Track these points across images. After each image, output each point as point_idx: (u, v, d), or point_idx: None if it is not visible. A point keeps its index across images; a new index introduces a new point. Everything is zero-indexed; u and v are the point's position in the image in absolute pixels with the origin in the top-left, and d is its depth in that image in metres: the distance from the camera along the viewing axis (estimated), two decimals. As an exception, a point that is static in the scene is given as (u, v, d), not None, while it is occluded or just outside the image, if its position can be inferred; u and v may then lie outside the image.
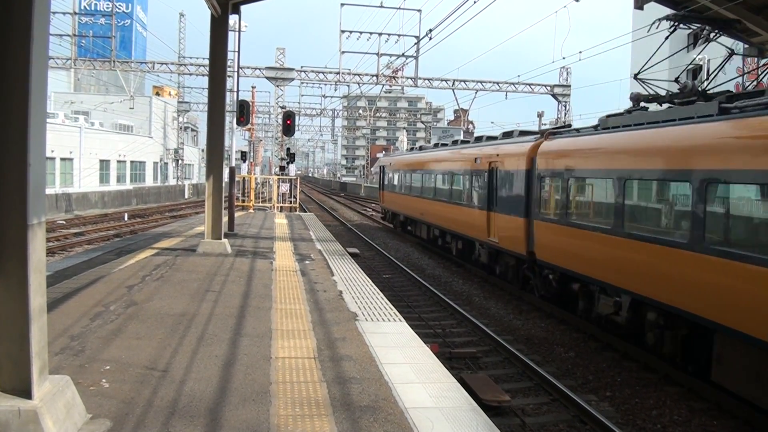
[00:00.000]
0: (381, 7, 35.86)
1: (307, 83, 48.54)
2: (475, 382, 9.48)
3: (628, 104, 13.09)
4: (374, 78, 41.75)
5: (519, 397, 9.59)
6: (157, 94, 76.17)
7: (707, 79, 29.40)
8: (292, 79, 44.52)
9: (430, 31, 27.36)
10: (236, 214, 22.79)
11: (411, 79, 42.36)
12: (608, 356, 12.02)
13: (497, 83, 44.13)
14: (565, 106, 46.17)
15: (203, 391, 5.56)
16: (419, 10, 35.67)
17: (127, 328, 7.56)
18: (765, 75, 16.54)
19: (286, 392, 5.65)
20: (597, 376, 10.90)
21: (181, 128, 71.57)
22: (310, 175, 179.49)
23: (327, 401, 5.49)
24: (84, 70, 49.12)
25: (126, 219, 37.56)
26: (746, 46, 19.20)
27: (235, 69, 22.44)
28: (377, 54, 39.33)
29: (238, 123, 22.21)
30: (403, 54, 38.54)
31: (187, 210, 45.78)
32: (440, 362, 7.01)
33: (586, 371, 11.13)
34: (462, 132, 52.82)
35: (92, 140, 55.22)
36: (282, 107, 45.28)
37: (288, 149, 42.13)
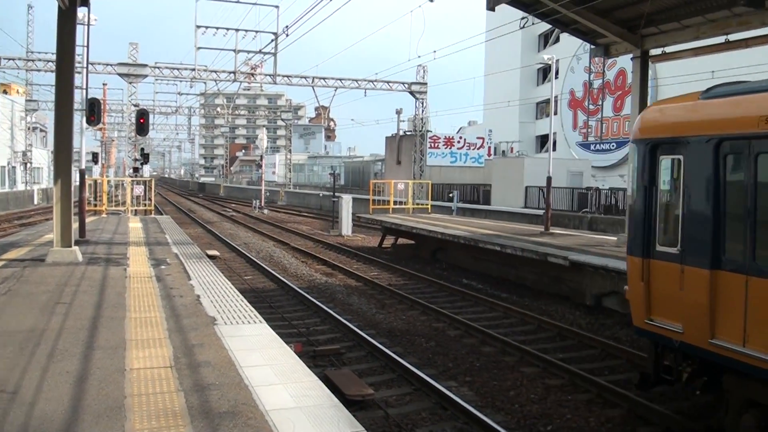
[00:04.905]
0: (237, 2, 35.32)
1: (161, 80, 46.90)
2: (338, 378, 9.62)
3: (482, 100, 13.54)
4: (232, 75, 40.98)
5: (383, 389, 9.81)
6: (5, 92, 70.99)
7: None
8: (146, 76, 42.84)
9: (287, 27, 27.32)
10: (88, 220, 21.74)
11: (270, 76, 41.82)
12: (467, 343, 12.57)
13: (356, 81, 44.54)
14: (422, 103, 47.33)
15: (54, 412, 5.32)
16: (277, 7, 35.42)
17: (-32, 348, 7.09)
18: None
19: (141, 405, 5.51)
20: (456, 363, 11.36)
21: (29, 129, 67.11)
22: (167, 176, 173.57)
23: (185, 411, 5.40)
24: None
25: (-34, 229, 34.84)
26: (593, 47, 20.45)
27: (84, 65, 21.42)
28: (234, 50, 38.61)
29: (89, 122, 21.10)
30: (260, 51, 38.14)
31: (36, 217, 43.02)
32: (302, 361, 7.05)
33: (446, 359, 11.56)
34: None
35: (-74, 144, 50.72)
36: (135, 105, 43.49)
37: (142, 149, 40.52)
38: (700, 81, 33.75)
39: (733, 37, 16.37)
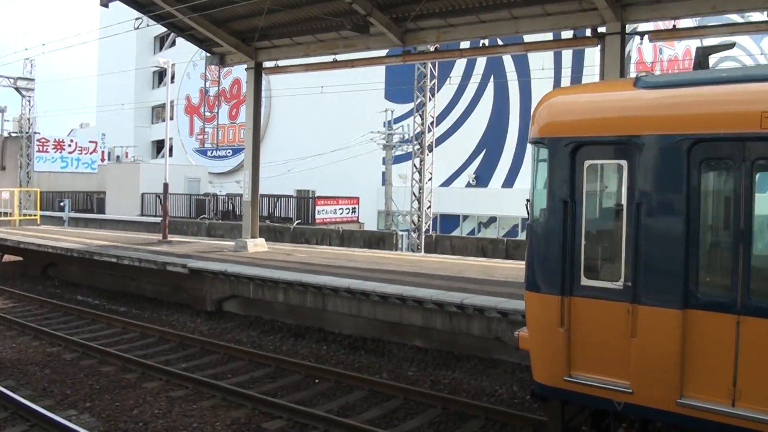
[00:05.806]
0: None
1: None
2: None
3: (94, 100, 12.90)
4: None
5: (-7, 431, 9.04)
6: None
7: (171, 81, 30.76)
8: None
9: None
10: None
11: None
12: (85, 365, 12.11)
13: (-51, 71, 39.37)
14: (30, 102, 43.56)
15: None
16: None
17: None
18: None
19: None
20: (75, 388, 10.86)
21: None
22: None
23: None
24: None
25: None
26: (209, 54, 20.87)
27: None
28: None
29: None
30: None
31: None
32: None
33: (63, 386, 10.98)
34: None
35: None
36: None
37: None
38: (311, 95, 36.91)
39: (341, 57, 18.32)
